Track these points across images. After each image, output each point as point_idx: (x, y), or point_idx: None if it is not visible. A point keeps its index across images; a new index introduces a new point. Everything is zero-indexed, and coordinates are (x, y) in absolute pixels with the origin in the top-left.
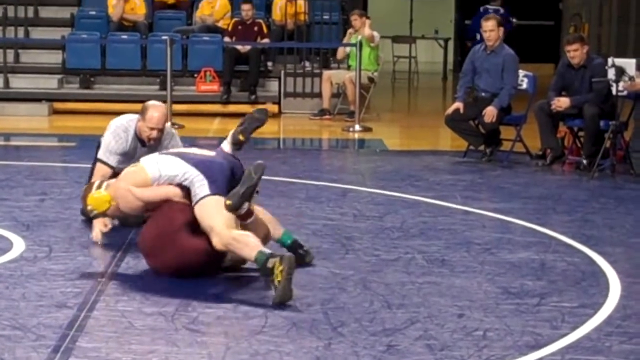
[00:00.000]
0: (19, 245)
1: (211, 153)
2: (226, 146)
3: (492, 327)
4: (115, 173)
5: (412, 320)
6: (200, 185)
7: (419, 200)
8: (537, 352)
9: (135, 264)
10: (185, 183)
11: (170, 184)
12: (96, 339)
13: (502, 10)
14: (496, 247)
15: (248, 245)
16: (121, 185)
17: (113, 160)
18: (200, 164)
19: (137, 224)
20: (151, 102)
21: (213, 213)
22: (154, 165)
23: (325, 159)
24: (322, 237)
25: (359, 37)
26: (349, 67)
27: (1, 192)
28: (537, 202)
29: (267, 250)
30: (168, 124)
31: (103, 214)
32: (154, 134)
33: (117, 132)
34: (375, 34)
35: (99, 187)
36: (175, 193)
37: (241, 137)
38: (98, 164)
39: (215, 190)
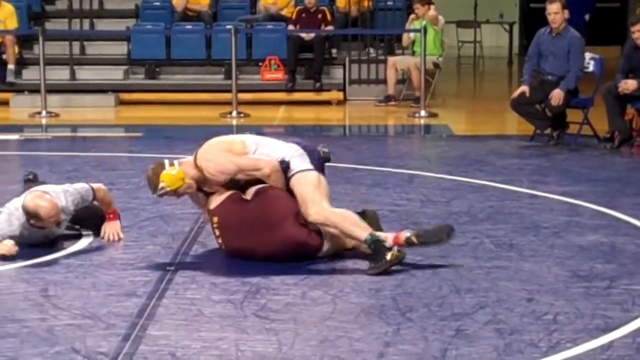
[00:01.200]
0: (87, 235)
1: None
2: None
3: (562, 310)
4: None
5: (481, 304)
6: (301, 158)
7: (486, 185)
8: (608, 335)
9: (203, 252)
10: (284, 157)
11: None
12: (166, 327)
13: None
14: (565, 230)
15: (357, 224)
16: (214, 149)
17: None
18: (298, 143)
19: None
20: (33, 205)
21: (315, 186)
22: (251, 140)
23: (391, 145)
24: (389, 222)
25: (424, 22)
26: (413, 53)
27: (69, 183)
28: (606, 185)
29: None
30: (60, 189)
31: (174, 192)
32: (55, 223)
33: (10, 218)
34: (440, 16)
35: (170, 164)
36: (273, 166)
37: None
38: None
39: (316, 168)
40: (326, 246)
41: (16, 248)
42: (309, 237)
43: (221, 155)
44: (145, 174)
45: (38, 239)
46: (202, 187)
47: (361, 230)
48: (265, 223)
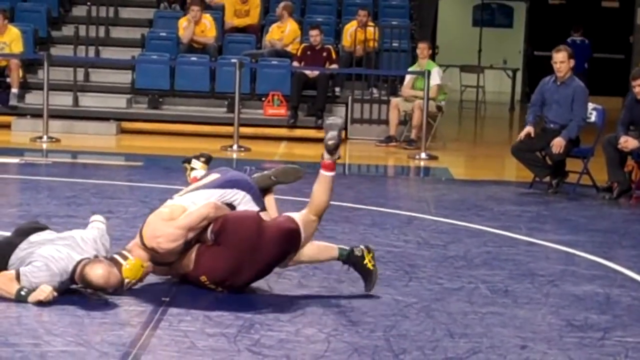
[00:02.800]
0: None
1: (225, 173)
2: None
3: (555, 359)
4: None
5: (474, 350)
6: (245, 202)
7: (483, 230)
8: None
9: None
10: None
11: None
12: (158, 358)
13: (586, 41)
14: (560, 279)
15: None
16: (157, 224)
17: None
18: (228, 183)
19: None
20: (103, 282)
21: None
22: (188, 201)
23: (390, 185)
24: (386, 263)
25: (426, 68)
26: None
27: (68, 209)
28: (603, 236)
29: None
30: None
31: (140, 280)
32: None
33: (50, 272)
34: (438, 80)
35: (123, 257)
36: (214, 206)
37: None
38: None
39: (262, 205)
40: (302, 233)
41: (55, 294)
42: (288, 223)
43: (165, 226)
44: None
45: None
46: (159, 261)
47: (330, 249)
48: (249, 245)
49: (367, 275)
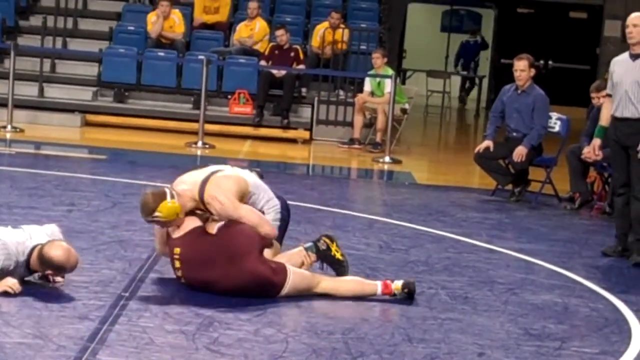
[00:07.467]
0: None
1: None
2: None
3: None
4: None
5: (432, 355)
6: (274, 213)
7: (445, 236)
8: None
9: (159, 280)
10: (260, 201)
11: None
12: (116, 353)
13: (478, 41)
14: (520, 287)
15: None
16: (226, 190)
17: None
18: (282, 200)
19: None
20: (64, 260)
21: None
22: (252, 180)
23: (353, 188)
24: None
25: (391, 72)
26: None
27: (30, 200)
28: (563, 246)
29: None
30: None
31: (163, 224)
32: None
33: (9, 253)
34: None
35: (172, 196)
36: (265, 221)
37: None
38: None
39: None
40: (287, 288)
41: (20, 287)
42: (273, 274)
43: (232, 200)
44: (143, 197)
45: (13, 274)
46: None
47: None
48: (229, 257)
49: (338, 266)
